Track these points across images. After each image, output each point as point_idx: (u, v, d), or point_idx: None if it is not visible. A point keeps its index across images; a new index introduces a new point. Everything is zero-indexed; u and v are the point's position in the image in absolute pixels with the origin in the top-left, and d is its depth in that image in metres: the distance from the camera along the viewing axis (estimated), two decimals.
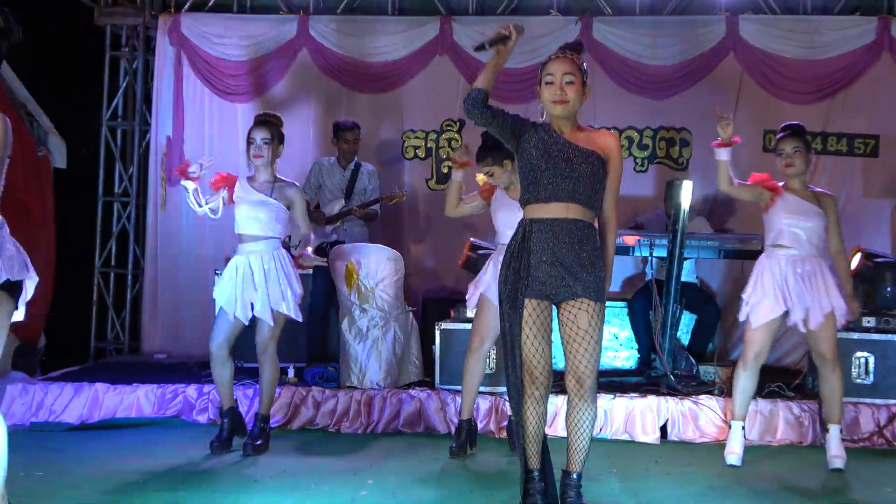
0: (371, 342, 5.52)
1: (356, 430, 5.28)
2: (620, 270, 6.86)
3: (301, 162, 7.14)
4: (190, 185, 4.66)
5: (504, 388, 5.19)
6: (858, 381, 5.27)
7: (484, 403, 5.21)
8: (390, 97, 7.38)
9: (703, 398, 5.23)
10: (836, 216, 4.59)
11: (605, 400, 5.18)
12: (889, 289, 5.55)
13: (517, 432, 3.49)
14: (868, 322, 5.33)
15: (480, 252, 5.38)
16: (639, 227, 6.49)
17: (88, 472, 4.31)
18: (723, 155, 4.51)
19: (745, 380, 4.58)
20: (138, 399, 5.47)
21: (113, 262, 7.69)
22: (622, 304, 6.19)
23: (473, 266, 5.26)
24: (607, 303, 3.53)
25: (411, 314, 5.83)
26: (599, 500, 3.83)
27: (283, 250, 4.74)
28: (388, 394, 5.36)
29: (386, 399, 5.34)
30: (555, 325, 3.47)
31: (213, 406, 5.37)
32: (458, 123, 7.31)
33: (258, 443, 4.67)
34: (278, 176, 4.78)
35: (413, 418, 5.30)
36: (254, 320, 4.67)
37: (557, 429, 4.95)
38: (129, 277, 7.66)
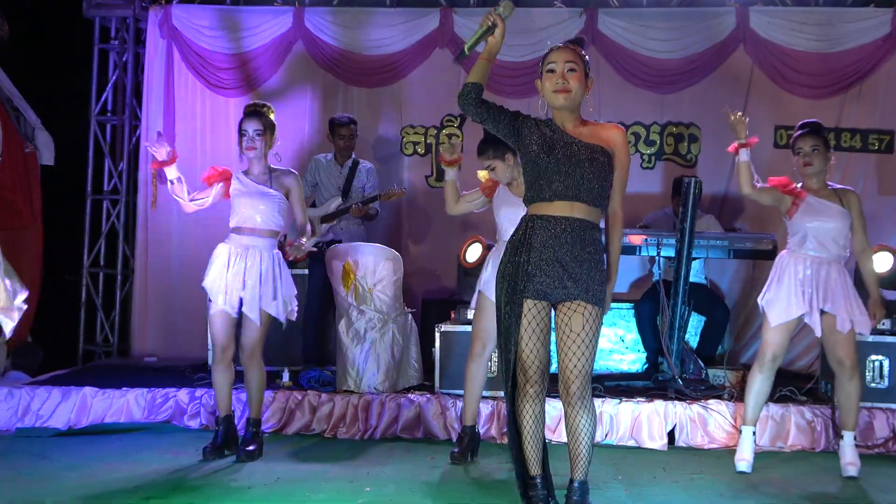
0: (369, 345, 5.52)
1: (353, 435, 5.27)
2: (627, 271, 6.86)
3: (296, 159, 7.15)
4: (172, 172, 4.59)
5: None
6: (873, 384, 5.26)
7: (485, 408, 5.20)
8: (389, 91, 7.38)
9: (713, 403, 5.23)
10: (860, 213, 4.56)
11: (610, 405, 5.18)
12: None
13: (510, 436, 3.49)
14: (883, 324, 5.32)
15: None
16: (645, 227, 6.49)
17: (76, 478, 4.30)
18: (743, 156, 4.49)
19: (760, 382, 4.57)
20: (128, 403, 5.46)
21: (102, 262, 7.69)
22: (628, 305, 6.19)
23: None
24: (613, 304, 3.53)
25: (410, 316, 5.82)
26: None
27: (280, 252, 4.73)
28: (387, 398, 5.36)
29: (384, 404, 5.33)
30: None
31: (205, 411, 5.37)
32: (458, 119, 7.31)
33: (251, 448, 4.66)
34: (273, 166, 4.77)
35: (412, 424, 5.30)
36: (240, 322, 4.65)
37: (562, 435, 4.94)
38: (119, 278, 7.65)
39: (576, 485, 3.42)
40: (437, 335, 5.49)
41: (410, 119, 7.40)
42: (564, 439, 3.53)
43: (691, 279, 5.70)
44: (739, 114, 4.56)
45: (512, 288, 3.39)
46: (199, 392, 5.45)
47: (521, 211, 3.54)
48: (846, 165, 6.97)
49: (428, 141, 7.38)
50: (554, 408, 4.90)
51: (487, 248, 5.48)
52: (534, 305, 3.40)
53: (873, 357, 5.29)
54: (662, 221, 6.61)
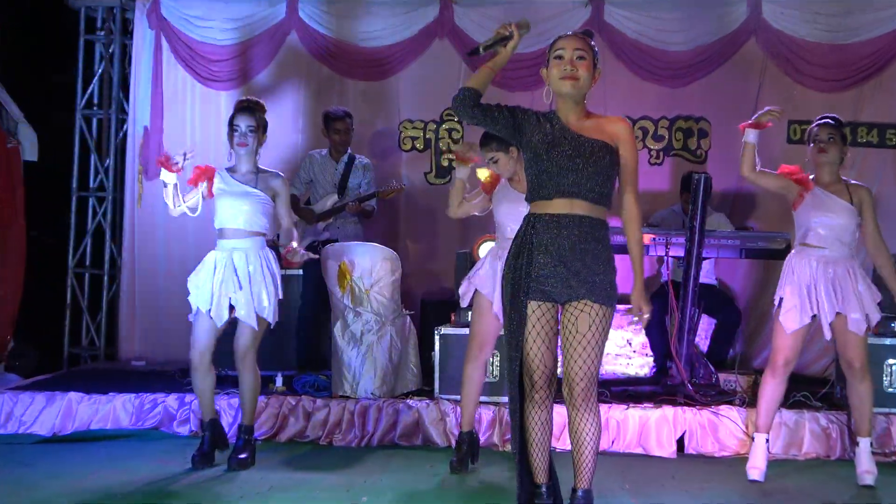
0: (365, 348, 5.52)
1: (349, 442, 5.27)
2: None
3: (289, 154, 7.15)
4: (170, 178, 4.57)
5: (506, 399, 5.20)
6: (890, 389, 5.27)
7: (487, 414, 5.21)
8: (386, 84, 7.38)
9: (723, 408, 5.22)
10: (871, 209, 4.56)
11: (617, 411, 5.18)
12: None
13: (513, 442, 3.49)
14: None
15: None
16: (653, 226, 6.49)
17: (61, 487, 4.30)
18: (751, 137, 4.49)
19: (773, 388, 4.57)
20: (115, 409, 5.46)
21: (88, 262, 7.69)
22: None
23: None
24: (619, 306, 3.51)
25: (409, 318, 5.82)
26: None
27: (269, 250, 4.73)
28: (384, 404, 5.36)
29: (381, 409, 5.33)
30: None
31: (194, 417, 5.37)
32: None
33: (243, 456, 4.66)
34: (260, 166, 4.77)
35: (410, 430, 5.29)
36: (232, 324, 4.65)
37: (566, 443, 4.93)
38: (106, 278, 7.65)
39: (580, 494, 3.42)
40: (437, 338, 5.49)
41: (408, 113, 7.40)
42: (568, 447, 3.54)
43: (701, 280, 5.70)
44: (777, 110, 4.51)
45: (515, 291, 3.40)
46: (188, 397, 5.44)
47: (522, 207, 3.55)
48: (863, 161, 6.96)
49: (427, 136, 7.37)
50: (558, 414, 4.88)
51: None
52: (538, 307, 3.40)
53: (891, 361, 5.29)
54: (671, 220, 6.62)
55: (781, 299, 4.54)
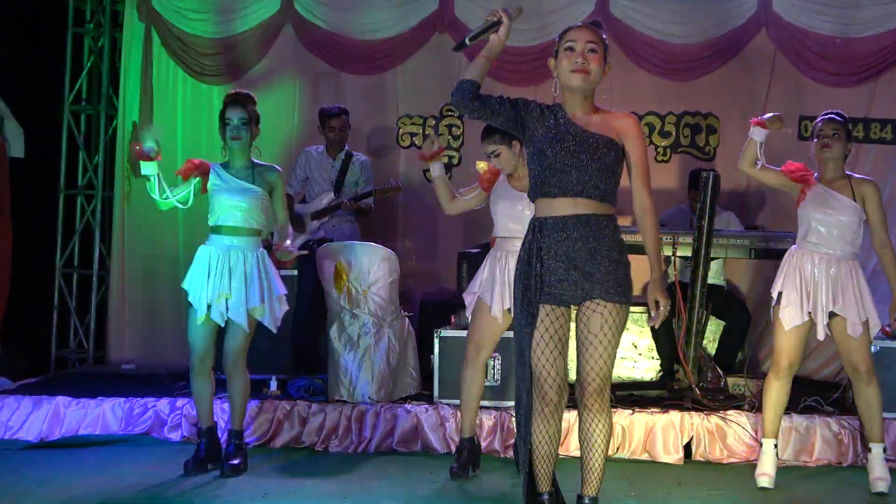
0: (362, 351, 5.52)
1: (346, 448, 5.27)
2: (639, 272, 6.81)
3: (284, 151, 7.16)
4: (151, 168, 4.46)
5: (509, 403, 5.21)
6: None
7: (488, 420, 5.21)
8: (384, 79, 7.38)
9: (732, 413, 5.23)
10: (878, 206, 4.56)
11: (623, 415, 5.18)
12: None
13: (520, 451, 3.49)
14: None
15: None
16: (660, 224, 6.48)
17: (49, 494, 4.31)
18: (757, 134, 4.51)
19: (777, 391, 4.57)
20: (104, 414, 5.47)
21: (76, 262, 7.69)
22: (642, 309, 6.18)
23: None
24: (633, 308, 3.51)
25: (407, 320, 5.83)
26: None
27: (265, 250, 4.73)
28: (382, 409, 5.36)
29: (379, 414, 5.34)
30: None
31: (186, 422, 5.37)
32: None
33: (236, 462, 4.66)
34: (255, 160, 4.76)
35: (409, 436, 5.30)
36: (223, 328, 4.64)
37: (569, 448, 4.94)
38: (95, 279, 7.65)
39: (586, 501, 3.43)
40: (437, 340, 5.49)
41: (407, 109, 7.40)
42: (573, 453, 3.54)
43: (709, 281, 5.70)
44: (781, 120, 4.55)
45: (525, 297, 3.40)
46: (180, 402, 5.45)
47: (520, 205, 3.55)
48: (875, 158, 6.97)
49: (426, 132, 7.38)
50: (564, 419, 4.89)
51: None
52: (551, 311, 3.40)
53: None
54: (678, 218, 6.62)
55: (780, 294, 4.55)
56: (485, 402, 4.95)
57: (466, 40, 3.49)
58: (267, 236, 4.90)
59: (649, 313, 3.50)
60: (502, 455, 5.15)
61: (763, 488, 4.57)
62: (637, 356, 6.26)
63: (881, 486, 4.51)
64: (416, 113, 7.40)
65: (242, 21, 7.32)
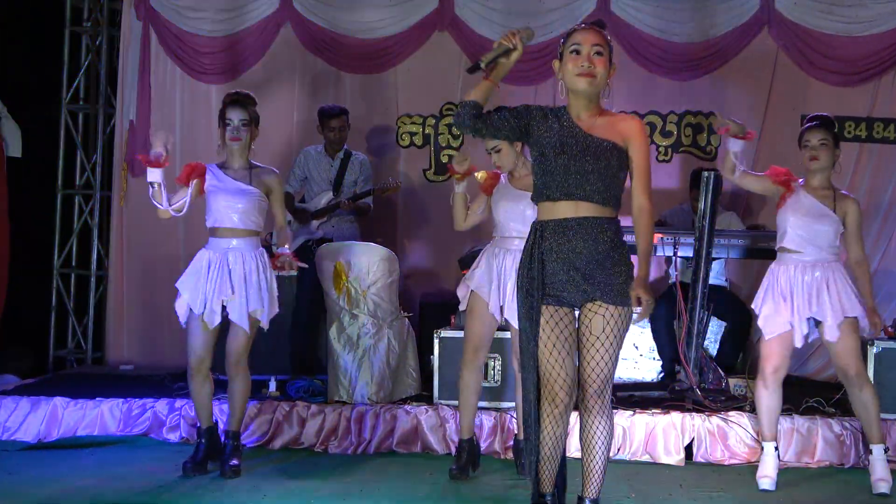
0: (362, 352, 5.54)
1: (345, 449, 5.29)
2: None
3: (283, 150, 7.17)
4: (156, 176, 4.50)
5: (508, 405, 5.23)
6: None
7: (487, 421, 5.23)
8: (384, 78, 7.38)
9: (733, 415, 5.25)
10: (856, 222, 4.60)
11: (623, 417, 5.20)
12: None
13: (527, 455, 3.50)
14: None
15: None
16: (662, 223, 6.51)
17: (46, 495, 4.32)
18: (735, 146, 4.58)
19: (767, 398, 4.62)
20: (102, 415, 5.48)
21: (74, 262, 7.69)
22: None
23: None
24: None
25: (407, 321, 5.84)
26: None
27: (263, 250, 4.74)
28: (381, 410, 5.38)
29: (378, 415, 5.35)
30: None
31: (185, 423, 5.39)
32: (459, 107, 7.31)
33: (234, 463, 4.68)
34: (253, 162, 4.78)
35: (409, 437, 5.32)
36: (224, 327, 4.66)
37: (571, 449, 4.95)
38: (93, 279, 7.66)
39: (587, 503, 3.45)
40: (436, 341, 5.49)
41: (407, 108, 7.40)
42: (575, 454, 3.56)
43: (711, 281, 5.72)
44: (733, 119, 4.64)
45: (529, 299, 3.42)
46: (178, 403, 5.47)
47: (521, 206, 3.56)
48: (878, 158, 6.99)
49: (426, 132, 7.39)
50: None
51: None
52: (555, 312, 3.42)
53: None
54: (680, 218, 6.63)
55: (758, 306, 4.63)
56: (484, 404, 4.96)
57: (481, 64, 3.50)
58: (266, 237, 4.91)
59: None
60: (502, 456, 5.16)
61: (765, 490, 4.58)
62: (639, 357, 6.29)
63: (883, 487, 4.53)
64: (416, 112, 7.40)
65: (241, 19, 7.32)
